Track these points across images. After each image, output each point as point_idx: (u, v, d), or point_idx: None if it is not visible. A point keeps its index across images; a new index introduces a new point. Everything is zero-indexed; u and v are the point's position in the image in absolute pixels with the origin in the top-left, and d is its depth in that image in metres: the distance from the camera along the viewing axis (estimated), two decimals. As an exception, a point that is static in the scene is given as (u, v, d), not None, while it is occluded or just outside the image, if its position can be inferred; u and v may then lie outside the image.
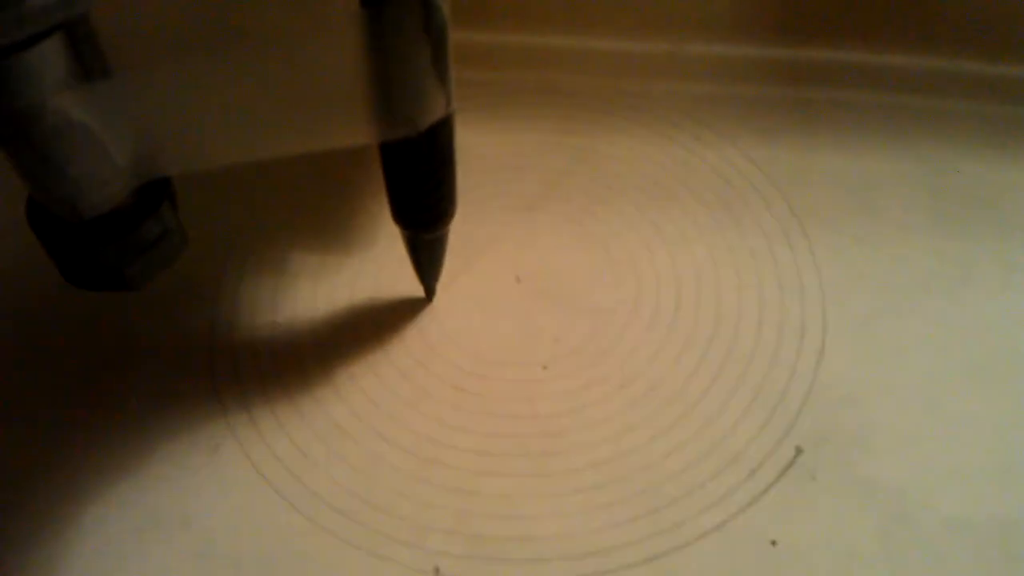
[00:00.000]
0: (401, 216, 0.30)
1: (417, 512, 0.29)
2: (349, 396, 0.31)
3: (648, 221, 0.36)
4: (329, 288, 0.35)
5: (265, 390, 0.32)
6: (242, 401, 0.31)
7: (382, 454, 0.30)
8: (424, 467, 0.30)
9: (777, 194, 0.37)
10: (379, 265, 0.36)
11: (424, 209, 0.29)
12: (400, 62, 0.23)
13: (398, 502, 0.29)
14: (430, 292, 0.34)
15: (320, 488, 0.29)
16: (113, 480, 0.29)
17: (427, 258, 0.32)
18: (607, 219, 0.37)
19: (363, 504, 0.29)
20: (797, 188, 0.37)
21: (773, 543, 0.28)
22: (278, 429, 0.31)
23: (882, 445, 0.30)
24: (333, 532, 0.28)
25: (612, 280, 0.35)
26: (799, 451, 0.30)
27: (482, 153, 0.39)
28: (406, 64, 0.23)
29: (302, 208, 0.38)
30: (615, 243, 0.36)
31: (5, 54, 0.18)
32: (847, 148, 0.39)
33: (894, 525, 0.29)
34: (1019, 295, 0.34)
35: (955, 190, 0.38)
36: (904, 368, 0.32)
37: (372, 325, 0.34)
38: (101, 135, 0.21)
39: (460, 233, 0.34)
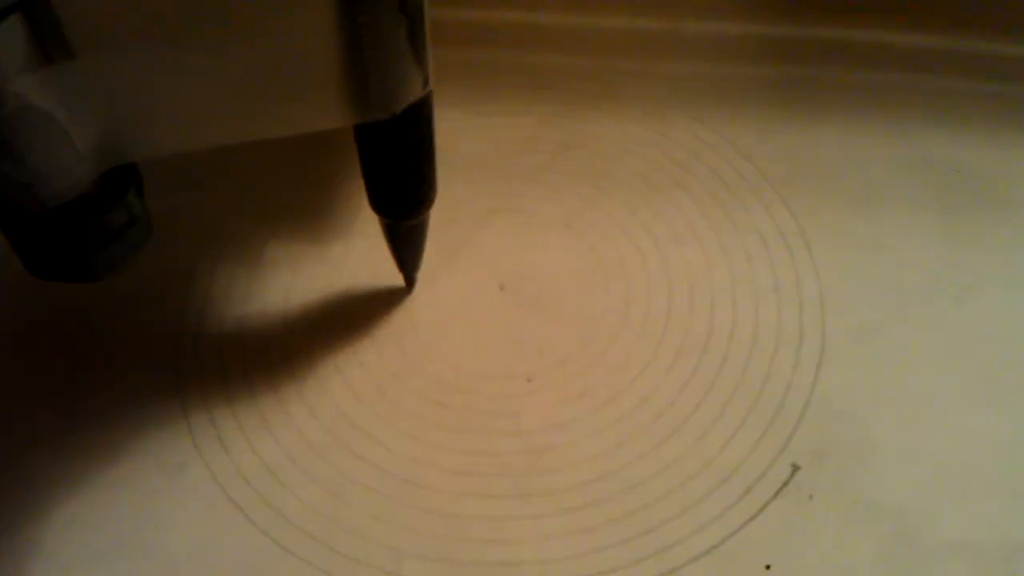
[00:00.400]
0: (379, 203, 0.28)
1: (393, 536, 0.27)
2: (321, 411, 0.30)
3: (639, 222, 0.35)
4: (306, 281, 0.33)
5: (232, 404, 0.30)
6: (208, 416, 0.30)
7: (356, 474, 0.29)
8: (401, 488, 0.28)
9: (775, 195, 0.35)
10: (358, 256, 0.34)
11: (403, 195, 0.28)
12: (374, 41, 0.22)
13: (373, 526, 0.28)
14: (410, 282, 0.33)
15: (289, 511, 0.28)
16: (74, 502, 0.28)
17: (407, 247, 0.31)
18: (596, 221, 0.35)
19: (335, 528, 0.28)
20: (796, 188, 0.36)
21: (767, 567, 0.27)
22: (245, 446, 0.29)
23: (883, 462, 0.29)
24: (303, 558, 0.27)
25: (601, 286, 0.33)
26: (796, 468, 0.29)
27: (462, 148, 0.37)
28: (381, 43, 0.22)
29: (279, 196, 0.36)
30: (604, 246, 0.34)
31: None
32: (850, 147, 0.37)
33: (895, 547, 0.27)
34: (1025, 302, 0.33)
35: (964, 191, 0.36)
36: (906, 380, 0.31)
37: (348, 330, 0.32)
38: (63, 120, 0.20)
39: (440, 236, 0.33)
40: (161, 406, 0.30)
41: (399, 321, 0.32)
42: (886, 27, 0.41)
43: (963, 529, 0.27)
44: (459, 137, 0.37)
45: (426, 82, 0.24)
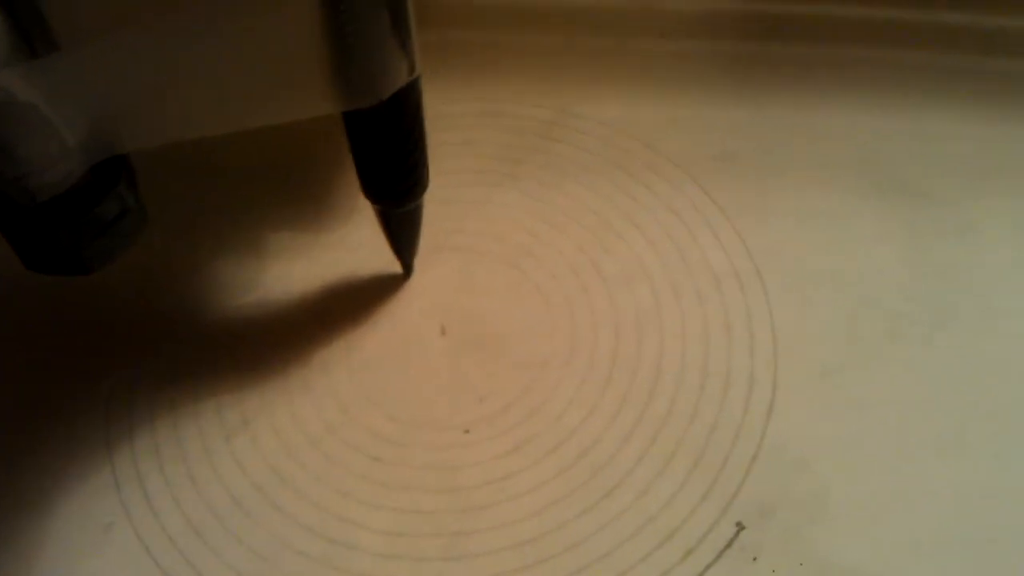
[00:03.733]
0: (370, 190, 0.28)
1: (318, 603, 0.26)
2: (250, 466, 0.29)
3: (589, 261, 0.33)
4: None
5: (159, 454, 0.29)
6: (135, 468, 0.29)
7: (285, 535, 0.28)
8: (331, 551, 0.27)
9: (731, 229, 0.34)
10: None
11: (394, 181, 0.28)
12: (356, 27, 0.22)
13: (298, 591, 0.27)
14: (408, 269, 0.33)
15: (212, 574, 0.27)
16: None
17: (401, 233, 0.31)
18: (545, 259, 0.34)
19: (259, 594, 0.27)
20: (754, 221, 0.34)
21: (707, 636, 0.25)
22: (172, 504, 0.28)
23: (835, 517, 0.27)
24: (225, 627, 0.26)
25: (546, 329, 0.32)
26: (740, 527, 0.27)
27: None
28: (363, 29, 0.22)
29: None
30: (551, 286, 0.33)
31: None
32: (813, 174, 0.36)
33: (844, 612, 0.26)
34: (1000, 344, 0.31)
35: (933, 222, 0.34)
36: (864, 428, 0.29)
37: (281, 376, 0.31)
38: (50, 113, 0.20)
39: (382, 276, 0.32)
40: (89, 462, 0.29)
41: (334, 369, 0.31)
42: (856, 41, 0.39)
43: (919, 591, 0.26)
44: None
45: (412, 68, 0.24)
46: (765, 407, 0.30)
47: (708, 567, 0.27)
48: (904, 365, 0.30)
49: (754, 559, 0.27)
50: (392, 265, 0.33)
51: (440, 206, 0.34)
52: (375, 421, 0.30)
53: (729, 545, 0.27)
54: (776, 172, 0.35)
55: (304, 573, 0.27)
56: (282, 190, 0.36)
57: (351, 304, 0.33)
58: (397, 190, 0.28)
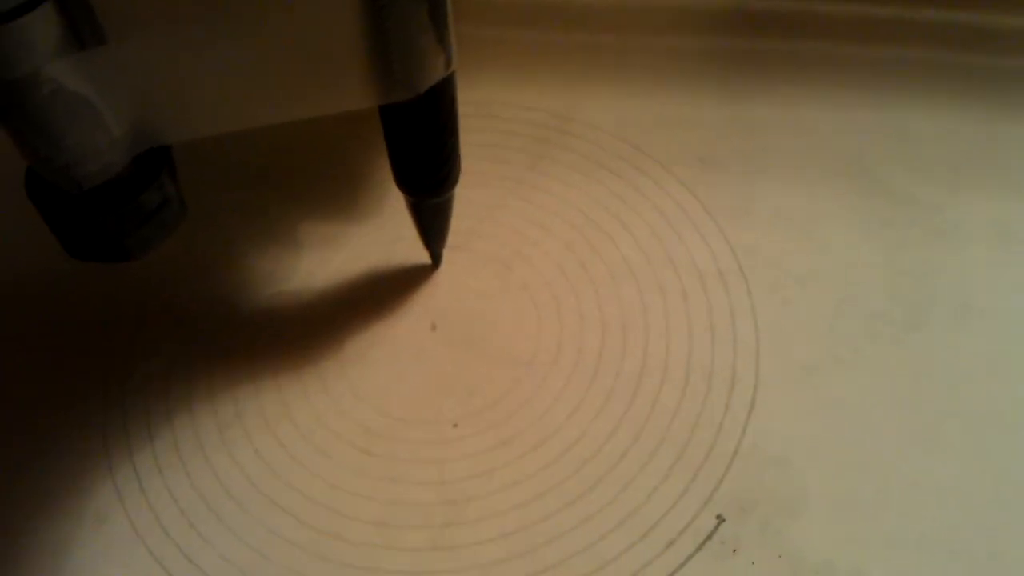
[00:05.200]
0: (405, 181, 0.29)
1: (307, 592, 0.27)
2: (242, 459, 0.30)
3: (576, 261, 0.34)
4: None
5: (153, 446, 0.30)
6: (130, 460, 0.30)
7: (276, 527, 0.28)
8: (320, 541, 0.28)
9: (716, 229, 0.35)
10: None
11: (427, 174, 0.28)
12: (397, 21, 0.22)
13: (288, 581, 0.27)
14: (436, 258, 0.33)
15: (210, 567, 0.28)
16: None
17: (432, 224, 0.31)
18: (533, 259, 0.34)
19: (250, 584, 0.27)
20: (738, 222, 0.35)
21: (686, 625, 0.26)
22: (166, 495, 0.29)
23: (813, 512, 0.28)
24: (217, 615, 0.27)
25: (533, 328, 0.32)
26: (720, 520, 0.28)
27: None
28: (403, 23, 0.22)
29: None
30: (539, 285, 0.33)
31: None
32: (796, 177, 0.36)
33: (820, 605, 0.26)
34: (975, 341, 0.32)
35: (913, 223, 0.35)
36: (843, 425, 0.30)
37: (272, 370, 0.31)
38: (97, 104, 0.20)
39: (373, 273, 0.33)
40: (85, 452, 0.30)
41: (325, 362, 0.32)
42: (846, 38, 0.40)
43: (891, 584, 0.27)
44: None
45: (449, 62, 0.24)
46: (747, 405, 0.30)
47: (689, 558, 0.27)
48: (882, 363, 0.31)
49: (734, 551, 0.27)
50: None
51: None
52: (365, 415, 0.31)
53: (709, 537, 0.28)
54: (760, 172, 0.36)
55: (294, 563, 0.28)
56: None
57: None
58: (430, 182, 0.29)
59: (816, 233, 0.34)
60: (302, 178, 0.37)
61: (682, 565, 0.27)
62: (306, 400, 0.31)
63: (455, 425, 0.30)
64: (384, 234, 0.35)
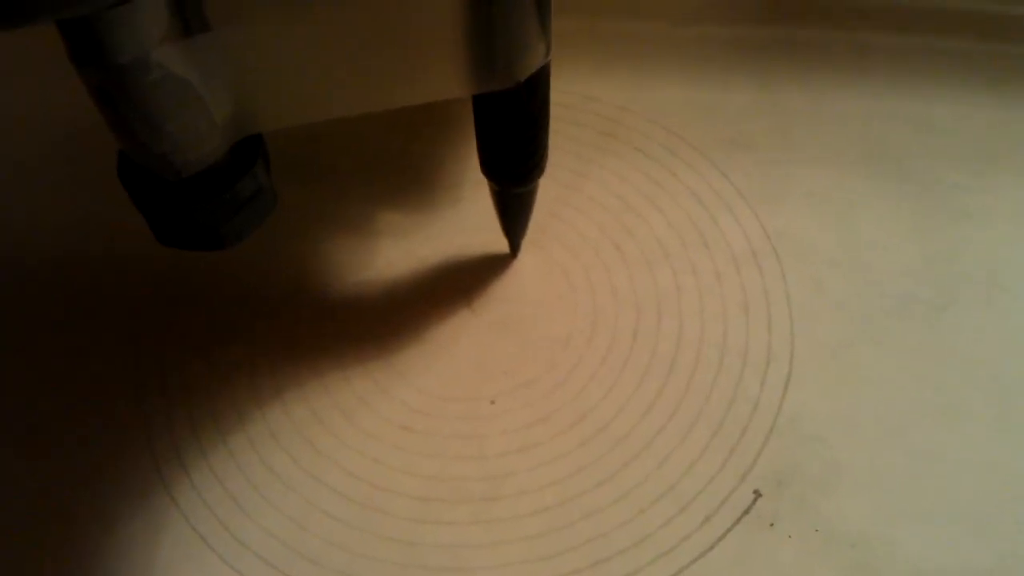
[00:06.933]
0: (492, 170, 0.29)
1: (351, 564, 0.28)
2: (285, 439, 0.30)
3: (611, 243, 0.34)
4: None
5: (195, 430, 0.30)
6: (170, 439, 0.30)
7: (317, 501, 0.29)
8: (361, 515, 0.29)
9: (750, 212, 0.35)
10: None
11: (516, 163, 0.28)
12: (504, 7, 0.22)
13: (332, 553, 0.28)
14: (515, 248, 0.33)
15: (249, 538, 0.28)
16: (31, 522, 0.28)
17: (515, 213, 0.31)
18: (568, 241, 0.35)
19: (294, 555, 0.28)
20: (771, 206, 0.35)
21: (726, 597, 0.26)
22: (209, 474, 0.30)
23: (847, 487, 0.28)
24: (260, 585, 0.27)
25: (568, 308, 0.33)
26: (758, 495, 0.28)
27: (433, 164, 0.37)
28: (510, 9, 0.22)
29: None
30: (575, 267, 0.34)
31: (108, 7, 0.17)
32: (826, 158, 0.37)
33: (857, 575, 0.27)
34: (1004, 319, 0.32)
35: (940, 205, 0.35)
36: (875, 402, 0.30)
37: (312, 350, 0.32)
38: (201, 91, 0.20)
39: (415, 256, 0.34)
40: (126, 435, 0.30)
41: (366, 343, 0.32)
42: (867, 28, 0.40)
43: (926, 557, 0.27)
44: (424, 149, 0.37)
45: (548, 50, 0.24)
46: (782, 382, 0.31)
47: (727, 532, 0.28)
48: (912, 342, 0.31)
49: (771, 525, 0.28)
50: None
51: (476, 187, 0.35)
52: (406, 392, 0.31)
53: (747, 511, 0.28)
54: (792, 156, 0.36)
55: (337, 537, 0.28)
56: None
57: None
58: (518, 171, 0.28)
59: (846, 216, 0.35)
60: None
61: (720, 539, 0.28)
62: (345, 380, 0.31)
63: (492, 402, 0.31)
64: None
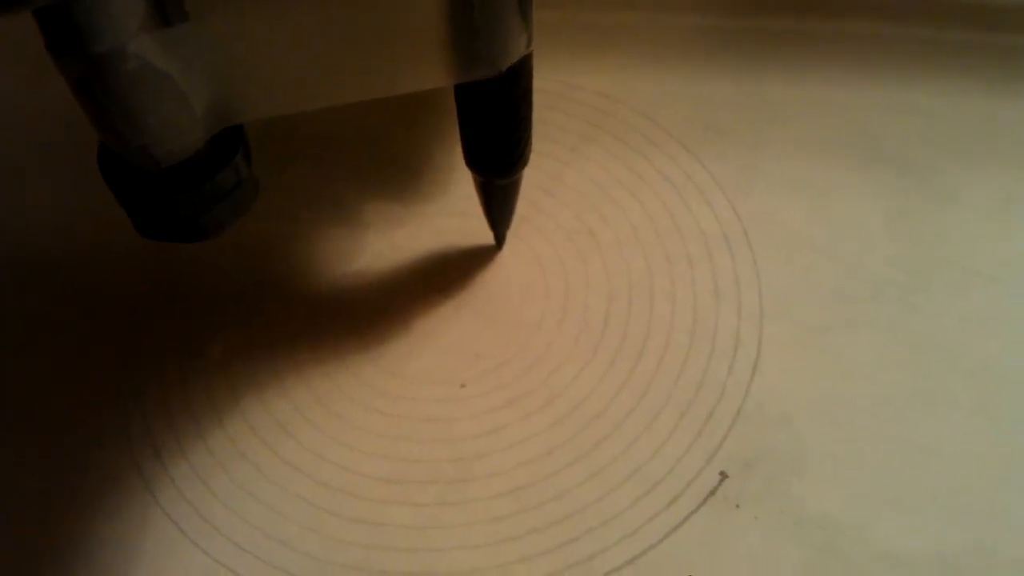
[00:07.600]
0: (475, 161, 0.29)
1: (322, 547, 0.28)
2: (258, 423, 0.30)
3: (584, 228, 0.34)
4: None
5: (169, 414, 0.31)
6: (144, 424, 0.30)
7: (289, 485, 0.29)
8: (332, 497, 0.29)
9: (723, 197, 0.35)
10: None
11: (500, 154, 0.28)
12: None
13: (304, 536, 0.28)
14: (500, 239, 0.33)
15: (221, 523, 0.28)
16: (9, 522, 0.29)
17: (499, 204, 0.31)
18: (541, 226, 0.35)
19: (266, 539, 0.28)
20: (745, 191, 0.35)
21: (690, 577, 0.27)
22: (180, 458, 0.30)
23: (814, 470, 0.29)
24: (234, 570, 0.27)
25: (541, 292, 0.33)
26: (724, 476, 0.28)
27: (409, 152, 0.37)
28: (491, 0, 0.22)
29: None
30: (548, 252, 0.34)
31: None
32: (801, 141, 0.37)
33: (822, 559, 0.27)
34: (978, 304, 0.32)
35: (917, 191, 0.35)
36: (847, 386, 0.30)
37: (287, 336, 0.32)
38: (180, 81, 0.20)
39: (400, 248, 0.34)
40: (102, 420, 0.31)
41: (348, 336, 0.32)
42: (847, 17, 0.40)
43: (893, 541, 0.27)
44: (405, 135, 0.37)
45: (530, 40, 0.24)
46: (750, 366, 0.31)
47: (693, 512, 0.28)
48: (886, 326, 0.31)
49: (737, 506, 0.28)
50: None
51: (452, 172, 0.36)
52: (378, 376, 0.31)
53: (713, 493, 0.28)
54: (767, 143, 0.36)
55: (308, 518, 0.28)
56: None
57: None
58: (501, 163, 0.28)
59: (823, 201, 0.35)
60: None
61: (686, 519, 0.28)
62: (317, 363, 0.32)
63: (463, 385, 0.31)
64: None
